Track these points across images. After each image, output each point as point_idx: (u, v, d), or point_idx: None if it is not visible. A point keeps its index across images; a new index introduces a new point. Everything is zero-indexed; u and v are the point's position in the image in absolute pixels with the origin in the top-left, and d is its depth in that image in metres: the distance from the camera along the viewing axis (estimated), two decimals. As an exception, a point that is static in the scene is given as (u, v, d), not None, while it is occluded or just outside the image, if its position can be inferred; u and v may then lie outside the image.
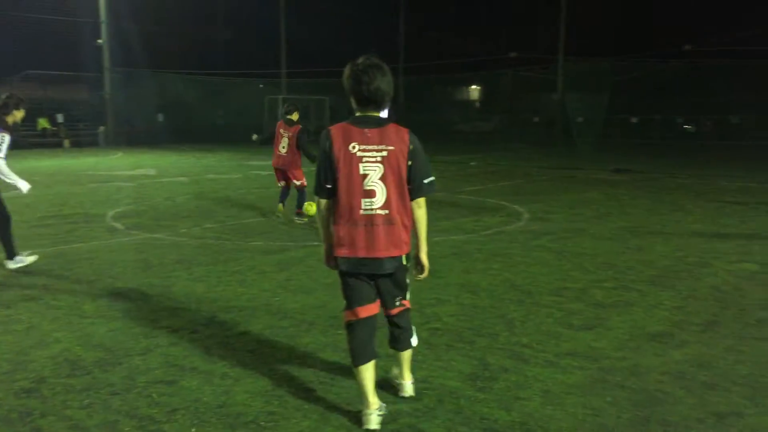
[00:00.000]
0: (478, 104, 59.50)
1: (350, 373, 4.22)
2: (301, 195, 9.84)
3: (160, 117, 35.26)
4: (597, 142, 27.59)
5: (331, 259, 3.68)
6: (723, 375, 4.23)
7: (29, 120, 31.66)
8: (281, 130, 9.88)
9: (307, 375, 4.21)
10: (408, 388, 3.94)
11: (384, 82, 3.53)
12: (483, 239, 8.71)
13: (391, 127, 3.57)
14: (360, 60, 3.58)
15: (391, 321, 3.81)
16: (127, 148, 27.69)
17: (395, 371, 4.04)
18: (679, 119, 39.11)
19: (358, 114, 3.59)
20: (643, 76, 36.19)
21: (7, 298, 5.81)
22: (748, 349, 4.70)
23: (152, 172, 17.71)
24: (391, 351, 3.93)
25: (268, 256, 7.60)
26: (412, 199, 3.59)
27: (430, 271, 3.78)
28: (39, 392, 3.95)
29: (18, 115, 7.03)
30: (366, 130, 3.52)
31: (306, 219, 9.73)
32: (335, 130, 3.54)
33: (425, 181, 3.61)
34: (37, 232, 8.97)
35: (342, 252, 3.55)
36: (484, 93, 59.53)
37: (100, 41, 30.96)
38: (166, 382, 4.09)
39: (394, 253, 3.54)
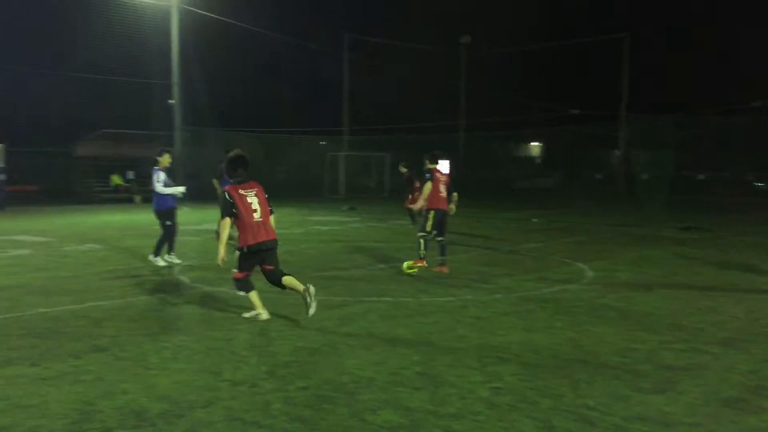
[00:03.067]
0: (538, 160, 59.31)
1: (413, 430, 4.16)
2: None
3: (226, 173, 36.27)
4: (663, 199, 26.99)
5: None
6: (806, 445, 3.99)
7: (103, 177, 33.12)
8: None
9: (367, 433, 4.17)
10: (311, 295, 6.88)
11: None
12: (545, 297, 8.55)
13: (253, 182, 7.24)
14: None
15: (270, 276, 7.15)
16: (194, 204, 28.45)
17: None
18: (749, 176, 38.02)
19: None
20: (708, 132, 35.48)
21: (77, 349, 5.97)
22: (832, 418, 4.43)
23: (217, 227, 18.13)
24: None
25: (329, 310, 7.62)
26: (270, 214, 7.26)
27: None
28: (105, 442, 4.02)
29: (164, 160, 11.08)
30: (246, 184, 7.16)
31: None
32: (232, 189, 7.08)
33: (270, 207, 7.21)
34: (108, 284, 9.25)
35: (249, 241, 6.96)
36: (544, 149, 59.36)
37: (171, 101, 32.27)
38: (228, 436, 4.10)
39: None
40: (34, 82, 34.10)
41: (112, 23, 29.77)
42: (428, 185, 10.16)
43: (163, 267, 10.69)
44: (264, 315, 7.13)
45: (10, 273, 10.09)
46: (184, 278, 9.76)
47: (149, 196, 18.05)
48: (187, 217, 21.24)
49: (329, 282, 9.52)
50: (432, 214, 10.21)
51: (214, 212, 22.94)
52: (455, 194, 10.57)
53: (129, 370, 5.38)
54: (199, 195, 31.47)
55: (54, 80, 33.45)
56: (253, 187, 7.12)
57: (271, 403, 4.68)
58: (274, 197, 7.45)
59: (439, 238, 10.41)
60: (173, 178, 11.44)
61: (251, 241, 6.89)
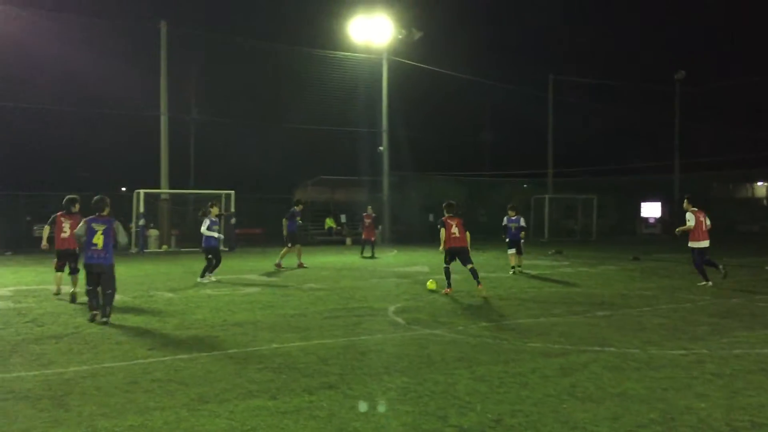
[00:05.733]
0: (766, 202, 54.02)
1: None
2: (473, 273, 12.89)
3: (431, 217, 37.07)
4: None
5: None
6: None
7: (318, 220, 35.31)
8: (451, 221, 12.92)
9: (610, 495, 3.89)
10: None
11: None
12: (797, 355, 7.58)
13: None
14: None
15: None
16: (401, 246, 29.30)
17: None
18: None
19: None
20: None
21: (310, 384, 6.27)
22: None
23: (425, 269, 18.43)
24: None
25: (548, 359, 7.36)
26: None
27: None
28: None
29: (214, 210, 15.60)
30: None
31: None
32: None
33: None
34: (330, 323, 9.70)
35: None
36: (773, 189, 53.91)
37: (381, 148, 33.75)
38: (462, 485, 4.03)
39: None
40: (260, 135, 37.49)
41: (327, 78, 32.05)
42: (442, 231, 12.89)
43: (211, 282, 14.75)
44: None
45: (245, 309, 10.96)
46: (400, 319, 9.97)
47: (360, 238, 19.00)
48: (395, 259, 21.92)
49: (546, 328, 9.22)
50: (447, 250, 12.93)
51: (420, 255, 23.26)
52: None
53: (358, 408, 5.52)
54: (404, 238, 32.53)
55: (276, 132, 36.55)
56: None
57: (502, 453, 4.55)
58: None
59: (468, 266, 12.81)
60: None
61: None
